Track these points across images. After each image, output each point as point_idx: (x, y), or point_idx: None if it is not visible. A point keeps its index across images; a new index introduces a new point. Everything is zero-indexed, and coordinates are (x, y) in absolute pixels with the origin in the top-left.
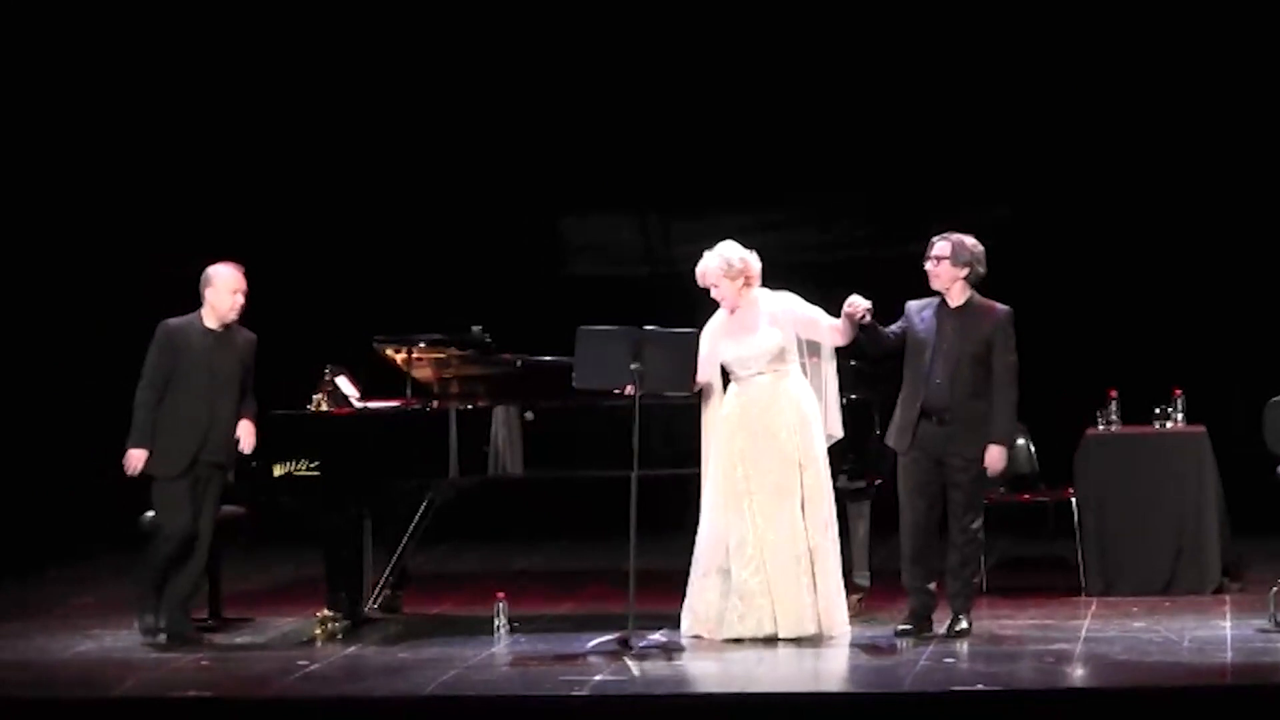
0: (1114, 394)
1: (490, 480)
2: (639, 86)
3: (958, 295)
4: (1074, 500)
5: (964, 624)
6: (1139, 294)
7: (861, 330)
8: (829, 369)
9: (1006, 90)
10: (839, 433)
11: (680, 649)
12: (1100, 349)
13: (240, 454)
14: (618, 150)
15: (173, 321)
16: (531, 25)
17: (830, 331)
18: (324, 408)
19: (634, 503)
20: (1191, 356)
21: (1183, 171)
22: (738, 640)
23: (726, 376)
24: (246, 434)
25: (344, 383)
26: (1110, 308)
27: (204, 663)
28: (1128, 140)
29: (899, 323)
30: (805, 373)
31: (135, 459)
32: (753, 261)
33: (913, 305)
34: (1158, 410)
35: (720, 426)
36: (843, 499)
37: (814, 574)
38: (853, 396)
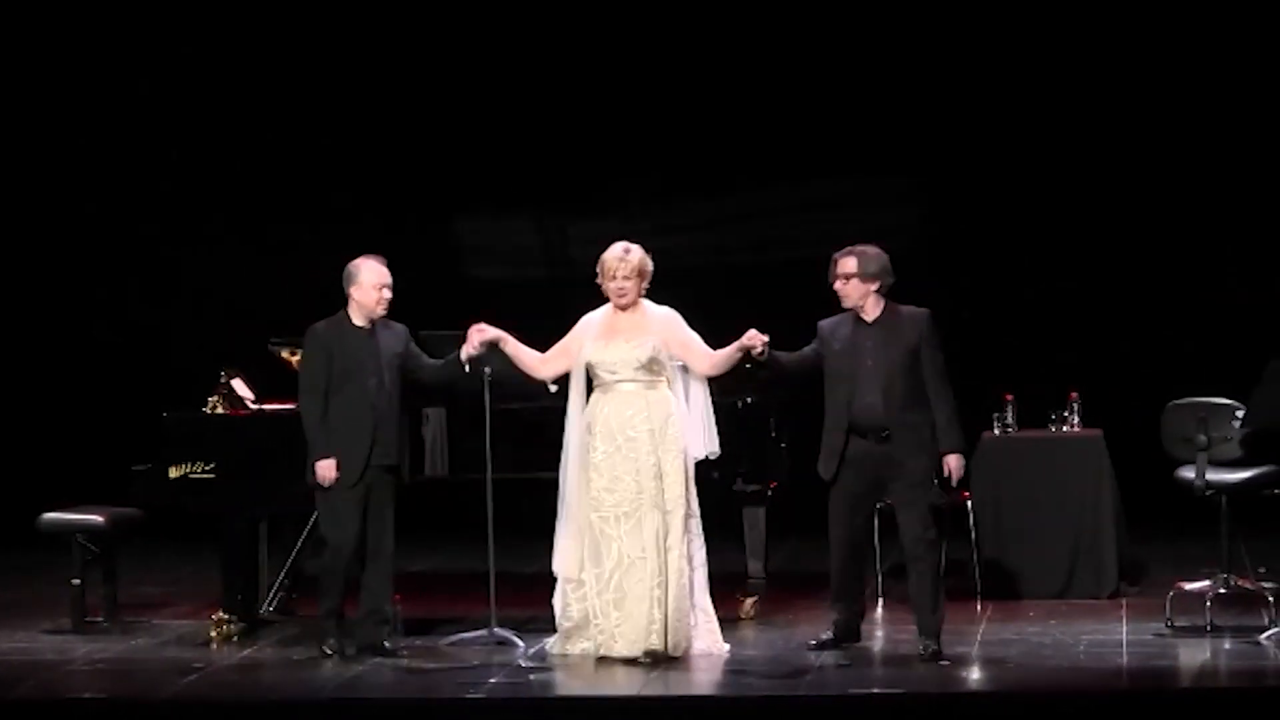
0: (1009, 397)
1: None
2: (535, 86)
3: (872, 309)
4: (970, 504)
5: (935, 646)
6: (1035, 297)
7: (759, 366)
8: (699, 386)
9: (911, 92)
10: (715, 448)
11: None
12: (996, 352)
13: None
14: (513, 150)
15: (321, 324)
16: (427, 23)
17: (703, 359)
18: (219, 410)
19: (490, 505)
20: (1088, 359)
21: (1076, 173)
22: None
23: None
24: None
25: (239, 385)
26: (1006, 311)
27: (100, 665)
28: (1022, 144)
29: (813, 345)
30: (671, 387)
31: (324, 469)
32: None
33: (825, 325)
34: (1054, 414)
35: (580, 432)
36: (739, 503)
37: (669, 590)
38: (748, 400)
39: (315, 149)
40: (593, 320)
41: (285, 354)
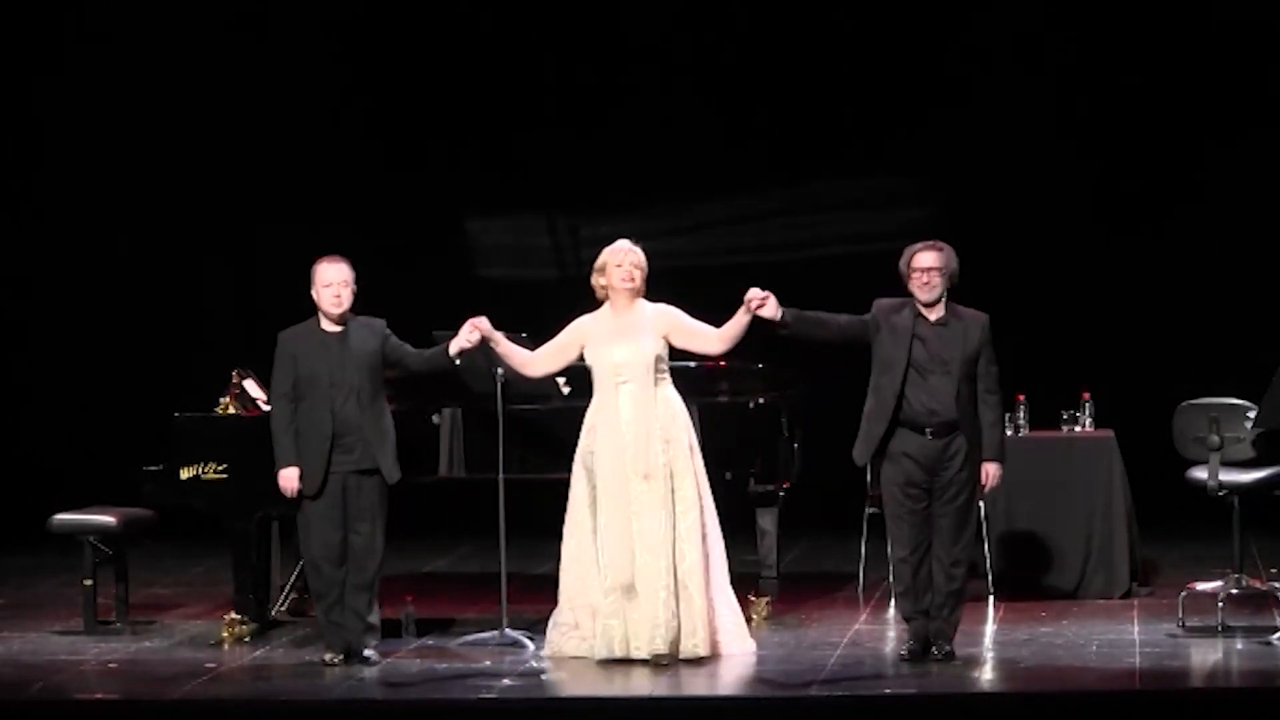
0: (1021, 398)
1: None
2: (547, 85)
3: (939, 307)
4: (982, 504)
5: (949, 649)
6: (1047, 297)
7: (779, 325)
8: None
9: (922, 93)
10: None
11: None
12: (1008, 352)
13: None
14: (525, 150)
15: (288, 330)
16: (438, 19)
17: (714, 340)
18: (231, 410)
19: (502, 506)
20: (1100, 360)
21: (1090, 174)
22: (603, 660)
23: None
24: (472, 331)
25: (251, 385)
26: (1018, 310)
27: (112, 665)
28: (1036, 141)
29: (863, 317)
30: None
31: (284, 480)
32: None
33: (885, 306)
34: (1066, 414)
35: (588, 435)
36: (751, 503)
37: (678, 590)
38: (760, 400)
39: (326, 148)
40: (586, 325)
41: None
